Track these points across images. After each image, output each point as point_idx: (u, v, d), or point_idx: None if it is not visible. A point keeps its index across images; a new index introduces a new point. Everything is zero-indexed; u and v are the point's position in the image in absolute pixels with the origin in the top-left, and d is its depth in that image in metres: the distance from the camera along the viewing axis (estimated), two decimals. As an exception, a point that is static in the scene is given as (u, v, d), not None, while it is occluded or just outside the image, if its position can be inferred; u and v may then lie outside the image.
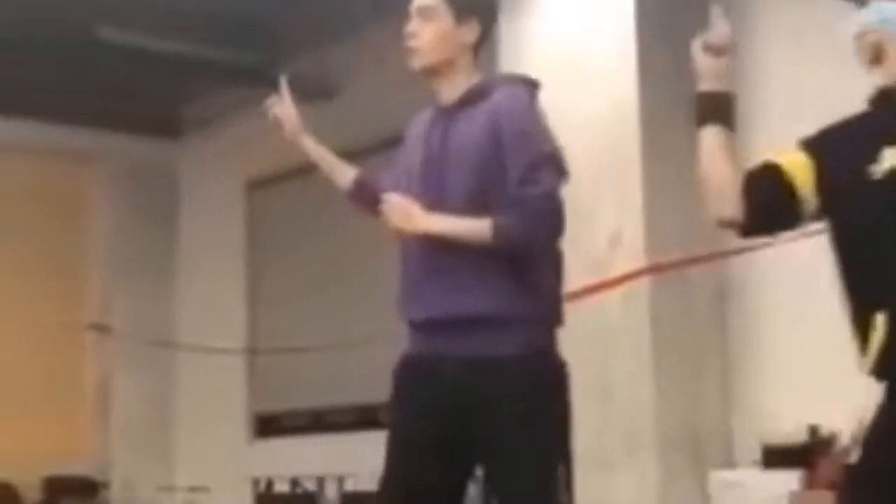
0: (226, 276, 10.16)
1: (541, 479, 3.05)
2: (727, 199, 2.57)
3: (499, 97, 3.17)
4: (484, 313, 3.08)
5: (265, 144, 9.11)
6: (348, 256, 8.92)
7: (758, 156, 2.62)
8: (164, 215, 10.74)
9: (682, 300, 6.13)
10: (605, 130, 6.13)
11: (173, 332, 10.52)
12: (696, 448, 6.02)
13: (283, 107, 3.60)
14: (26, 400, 9.84)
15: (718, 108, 2.61)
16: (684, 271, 6.04)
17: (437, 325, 3.13)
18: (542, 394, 3.08)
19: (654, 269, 5.97)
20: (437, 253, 3.12)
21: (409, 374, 3.22)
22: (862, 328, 2.45)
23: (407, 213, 3.11)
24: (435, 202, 3.13)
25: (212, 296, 10.28)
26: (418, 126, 3.34)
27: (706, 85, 2.63)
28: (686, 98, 6.20)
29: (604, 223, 6.07)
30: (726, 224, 2.61)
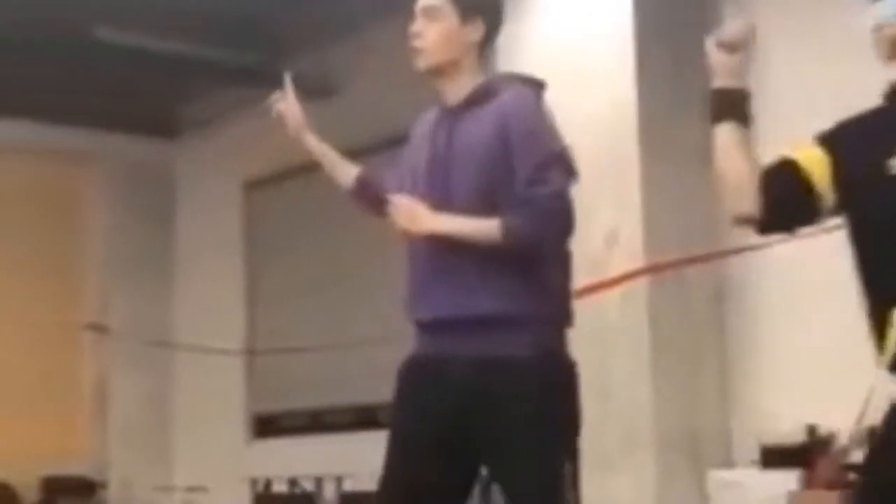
0: (224, 276, 10.16)
1: (547, 477, 3.05)
2: (744, 196, 2.54)
3: (507, 97, 3.17)
4: (492, 313, 3.07)
5: (263, 144, 9.15)
6: (346, 256, 8.93)
7: (767, 153, 2.61)
8: (161, 215, 10.73)
9: (681, 300, 6.13)
10: (604, 131, 6.13)
11: (171, 332, 10.51)
12: (694, 448, 6.02)
13: (286, 104, 3.58)
14: (24, 400, 9.83)
15: (733, 105, 2.58)
16: (682, 271, 6.04)
17: (445, 325, 3.12)
18: (552, 394, 3.08)
19: (652, 269, 5.97)
20: (445, 253, 3.11)
21: (415, 374, 3.21)
22: (879, 324, 2.43)
23: (414, 214, 3.10)
24: (440, 201, 3.12)
25: (210, 296, 10.28)
26: (423, 126, 3.33)
27: (720, 82, 2.60)
28: (684, 98, 6.24)
29: (602, 223, 6.07)
30: (743, 221, 2.58)
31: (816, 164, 2.49)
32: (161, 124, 10.55)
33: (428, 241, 3.12)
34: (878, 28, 2.56)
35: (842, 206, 2.51)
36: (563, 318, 3.20)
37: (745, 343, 6.17)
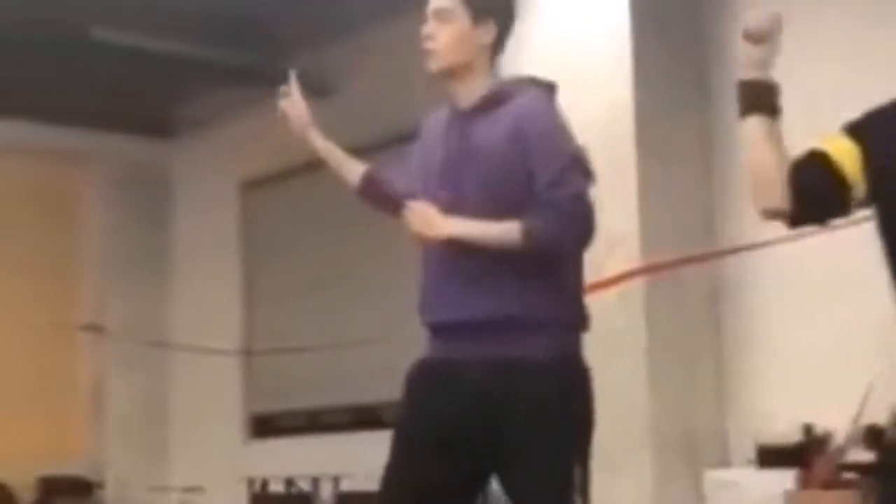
0: (221, 276, 10.16)
1: (557, 481, 3.04)
2: (774, 190, 2.49)
3: (521, 101, 3.15)
4: (510, 316, 3.05)
5: (260, 145, 9.17)
6: (344, 257, 8.93)
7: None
8: (158, 215, 10.73)
9: (677, 300, 6.14)
10: (601, 131, 6.13)
11: (168, 332, 10.51)
12: (690, 447, 6.03)
13: (291, 101, 3.56)
14: (20, 400, 9.83)
15: (760, 97, 2.54)
16: (679, 271, 6.05)
17: (461, 327, 3.10)
18: (569, 398, 3.08)
19: (648, 270, 5.97)
20: (459, 256, 3.08)
21: (426, 377, 3.17)
22: None
23: (430, 219, 3.07)
24: (452, 203, 3.10)
25: (206, 296, 10.27)
26: (435, 126, 3.30)
27: (747, 74, 2.56)
28: (682, 99, 6.22)
29: (600, 223, 6.06)
30: (772, 215, 2.54)
31: (847, 156, 2.46)
32: (158, 124, 10.54)
33: (443, 244, 3.08)
34: None
35: (871, 198, 2.47)
36: (581, 321, 3.19)
37: (741, 343, 6.18)
